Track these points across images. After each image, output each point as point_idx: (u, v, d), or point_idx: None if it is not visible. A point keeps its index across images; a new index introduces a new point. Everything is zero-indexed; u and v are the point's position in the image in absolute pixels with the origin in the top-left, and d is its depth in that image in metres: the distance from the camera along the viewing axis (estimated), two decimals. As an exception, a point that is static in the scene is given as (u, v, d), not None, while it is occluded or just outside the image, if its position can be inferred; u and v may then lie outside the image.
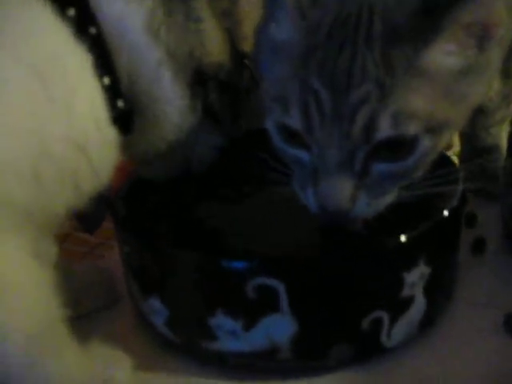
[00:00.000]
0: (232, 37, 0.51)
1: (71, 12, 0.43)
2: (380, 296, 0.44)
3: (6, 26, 0.41)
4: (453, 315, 0.50)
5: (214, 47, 0.48)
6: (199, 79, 0.48)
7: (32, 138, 0.40)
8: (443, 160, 0.52)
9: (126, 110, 0.45)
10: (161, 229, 0.49)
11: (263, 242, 0.45)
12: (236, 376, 0.46)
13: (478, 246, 0.59)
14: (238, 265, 0.42)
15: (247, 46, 0.55)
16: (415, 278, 0.45)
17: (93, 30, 0.44)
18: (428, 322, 0.48)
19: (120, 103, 0.45)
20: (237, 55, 0.52)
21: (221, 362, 0.46)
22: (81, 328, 0.45)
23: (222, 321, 0.44)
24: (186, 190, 0.53)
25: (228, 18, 0.50)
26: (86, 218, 0.63)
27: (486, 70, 0.43)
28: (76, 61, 0.43)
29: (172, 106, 0.47)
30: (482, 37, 0.41)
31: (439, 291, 0.48)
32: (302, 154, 0.43)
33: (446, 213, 0.47)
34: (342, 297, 0.43)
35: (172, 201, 0.53)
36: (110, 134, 0.45)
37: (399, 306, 0.45)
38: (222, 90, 0.50)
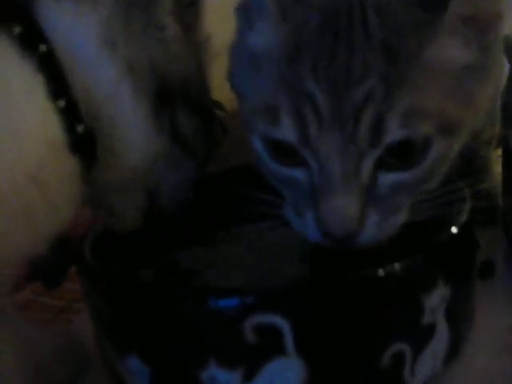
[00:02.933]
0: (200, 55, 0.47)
1: (17, 30, 0.38)
2: (399, 325, 0.38)
3: None
4: (477, 343, 0.45)
5: (178, 57, 0.42)
6: (164, 96, 0.42)
7: None
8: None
9: (87, 135, 0.39)
10: (137, 277, 0.42)
11: (257, 278, 0.39)
12: None
13: (487, 270, 0.54)
14: (231, 302, 0.36)
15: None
16: (436, 301, 0.39)
17: (43, 48, 0.38)
18: (453, 353, 0.42)
19: (79, 128, 0.39)
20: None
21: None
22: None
23: (216, 373, 0.37)
24: (160, 232, 0.47)
25: (193, 33, 0.45)
26: (46, 270, 0.56)
27: (492, 67, 0.41)
28: (23, 83, 0.37)
29: (134, 128, 0.41)
30: (484, 30, 0.39)
31: (462, 316, 0.42)
32: (297, 173, 0.38)
33: (454, 229, 0.42)
34: (356, 330, 0.37)
35: (145, 244, 0.46)
36: (70, 163, 0.39)
37: (421, 336, 0.39)
38: (192, 109, 0.44)
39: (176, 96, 0.42)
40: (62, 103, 0.38)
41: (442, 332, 0.40)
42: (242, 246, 0.48)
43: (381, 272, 0.37)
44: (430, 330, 0.39)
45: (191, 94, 0.43)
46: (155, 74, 0.41)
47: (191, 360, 0.37)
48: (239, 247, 0.48)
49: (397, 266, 0.38)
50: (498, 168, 0.70)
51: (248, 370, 0.36)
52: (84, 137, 0.39)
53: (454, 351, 0.42)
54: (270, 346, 0.36)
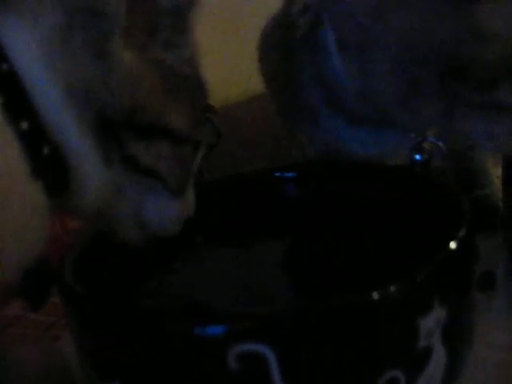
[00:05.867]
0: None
1: None
2: (392, 352, 0.36)
3: None
4: (476, 364, 0.43)
5: (123, 86, 0.37)
6: (106, 127, 0.38)
7: None
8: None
9: (53, 156, 0.37)
10: (118, 301, 0.40)
11: (240, 303, 0.37)
12: None
13: (487, 282, 0.52)
14: (214, 329, 0.34)
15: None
16: (431, 324, 0.37)
17: (4, 67, 0.35)
18: (451, 376, 0.40)
19: (46, 150, 0.36)
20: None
21: None
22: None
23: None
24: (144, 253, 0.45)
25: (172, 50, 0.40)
26: (29, 292, 0.54)
27: None
28: None
29: (82, 157, 0.38)
30: None
31: (460, 337, 0.40)
32: None
33: (453, 245, 0.40)
34: (347, 359, 0.35)
35: (128, 267, 0.45)
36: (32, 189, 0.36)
37: (416, 361, 0.37)
38: (151, 137, 0.39)
39: (121, 126, 0.38)
40: (24, 125, 0.35)
41: (439, 355, 0.38)
42: (231, 263, 0.46)
43: (375, 295, 0.35)
44: (426, 354, 0.37)
45: (145, 121, 0.38)
46: (93, 101, 0.37)
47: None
48: (227, 265, 0.46)
49: (392, 288, 0.36)
50: (497, 172, 0.68)
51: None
52: (50, 159, 0.36)
53: (452, 374, 0.40)
54: (255, 375, 0.34)
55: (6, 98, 0.34)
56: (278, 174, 0.57)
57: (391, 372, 0.36)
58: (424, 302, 0.36)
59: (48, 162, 0.36)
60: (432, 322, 0.37)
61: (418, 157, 0.59)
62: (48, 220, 0.37)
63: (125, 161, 0.39)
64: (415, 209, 0.49)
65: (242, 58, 0.78)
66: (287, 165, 0.60)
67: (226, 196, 0.56)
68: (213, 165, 0.90)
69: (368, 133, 0.60)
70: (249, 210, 0.55)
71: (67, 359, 0.49)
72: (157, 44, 0.39)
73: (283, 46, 0.62)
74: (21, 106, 0.35)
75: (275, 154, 0.77)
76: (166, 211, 0.43)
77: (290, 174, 0.57)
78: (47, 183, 0.36)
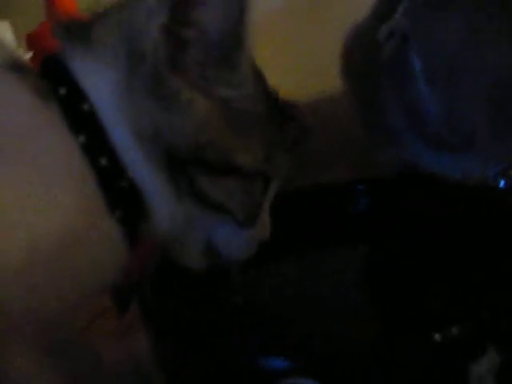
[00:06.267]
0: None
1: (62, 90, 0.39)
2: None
3: None
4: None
5: (186, 126, 0.39)
6: (174, 163, 0.40)
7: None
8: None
9: (131, 190, 0.40)
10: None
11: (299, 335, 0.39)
12: None
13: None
14: (268, 363, 0.36)
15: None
16: (483, 369, 0.37)
17: (85, 107, 0.39)
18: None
19: (123, 183, 0.39)
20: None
21: None
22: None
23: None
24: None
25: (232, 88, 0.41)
26: (118, 298, 0.59)
27: None
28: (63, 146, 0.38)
29: (154, 191, 0.40)
30: None
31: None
32: None
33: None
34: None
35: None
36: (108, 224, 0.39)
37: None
38: (215, 173, 0.41)
39: (187, 163, 0.40)
40: (103, 161, 0.38)
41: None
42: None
43: (437, 337, 0.36)
44: (477, 398, 0.38)
45: (209, 158, 0.40)
46: (159, 141, 0.39)
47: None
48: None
49: (454, 330, 0.37)
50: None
51: None
52: (128, 192, 0.39)
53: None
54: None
55: (87, 136, 0.38)
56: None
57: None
58: (475, 348, 0.37)
59: (125, 195, 0.39)
60: (484, 367, 0.37)
61: (502, 183, 0.58)
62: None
63: (194, 195, 0.41)
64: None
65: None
66: (361, 178, 0.62)
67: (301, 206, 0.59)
68: (300, 160, 0.93)
69: (450, 158, 0.59)
70: (321, 220, 0.58)
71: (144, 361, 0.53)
72: (215, 81, 0.40)
73: (367, 64, 0.62)
74: (100, 144, 0.38)
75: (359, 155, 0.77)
76: (236, 240, 0.45)
77: (361, 187, 0.60)
78: (125, 216, 0.39)
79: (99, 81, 0.38)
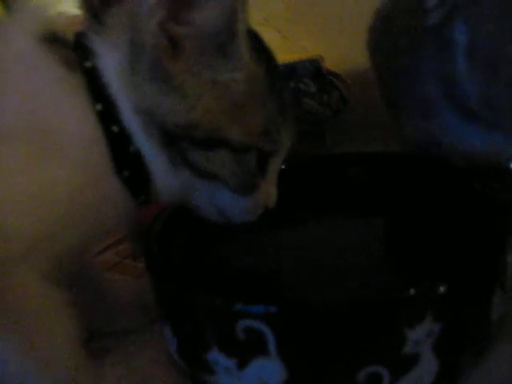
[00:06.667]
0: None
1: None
2: (377, 351, 0.41)
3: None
4: (481, 374, 0.46)
5: (179, 107, 0.44)
6: (167, 138, 0.45)
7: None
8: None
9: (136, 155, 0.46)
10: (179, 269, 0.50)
11: (260, 282, 0.44)
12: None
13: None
14: (227, 304, 0.42)
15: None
16: (421, 335, 0.41)
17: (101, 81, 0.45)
18: (445, 380, 0.44)
19: (131, 148, 0.46)
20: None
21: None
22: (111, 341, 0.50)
23: (218, 357, 0.44)
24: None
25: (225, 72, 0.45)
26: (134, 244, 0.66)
27: None
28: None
29: (153, 161, 0.46)
30: None
31: (459, 350, 0.44)
32: None
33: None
34: (334, 347, 0.41)
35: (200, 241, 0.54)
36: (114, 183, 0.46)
37: (401, 363, 0.42)
38: (205, 147, 0.45)
39: (178, 138, 0.45)
40: (115, 128, 0.45)
41: (428, 362, 0.42)
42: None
43: (365, 299, 0.41)
44: (413, 359, 0.42)
45: (200, 135, 0.44)
46: (153, 120, 0.44)
47: (200, 342, 0.45)
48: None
49: (389, 295, 0.41)
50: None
51: (240, 360, 0.43)
52: (134, 156, 0.46)
53: (445, 379, 0.44)
54: (256, 345, 0.42)
55: (104, 105, 0.45)
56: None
57: (375, 367, 0.41)
58: (414, 315, 0.41)
59: (132, 159, 0.46)
60: (422, 333, 0.41)
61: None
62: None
63: (188, 165, 0.46)
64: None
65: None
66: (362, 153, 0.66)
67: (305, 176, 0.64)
68: (338, 128, 0.96)
69: (479, 131, 0.61)
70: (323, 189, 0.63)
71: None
72: (208, 68, 0.44)
73: (406, 33, 0.62)
74: (113, 113, 0.45)
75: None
76: (238, 204, 0.49)
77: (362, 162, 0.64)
78: (130, 176, 0.46)
79: (110, 60, 0.45)
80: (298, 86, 0.90)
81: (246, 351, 0.43)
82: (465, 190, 0.56)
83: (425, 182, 0.60)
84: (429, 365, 0.43)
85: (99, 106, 0.45)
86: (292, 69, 0.90)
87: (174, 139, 0.45)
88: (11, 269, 0.42)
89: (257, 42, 0.49)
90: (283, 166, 0.54)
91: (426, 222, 0.57)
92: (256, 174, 0.49)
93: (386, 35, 0.68)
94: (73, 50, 0.46)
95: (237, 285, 0.48)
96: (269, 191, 0.52)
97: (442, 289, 0.41)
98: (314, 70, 0.92)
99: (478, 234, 0.48)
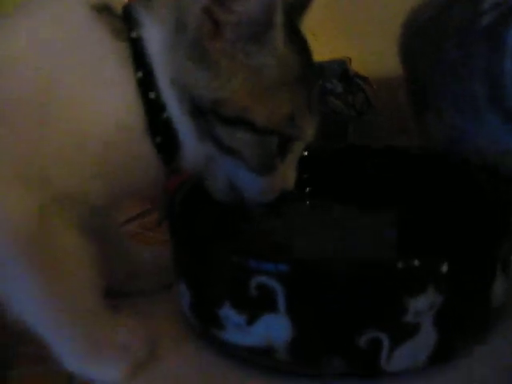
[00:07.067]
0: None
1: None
2: (379, 317, 0.44)
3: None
4: (481, 350, 0.48)
5: (211, 84, 0.47)
6: (197, 111, 0.48)
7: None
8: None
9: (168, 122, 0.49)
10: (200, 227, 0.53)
11: (275, 245, 0.47)
12: (241, 368, 0.49)
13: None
14: (243, 261, 0.45)
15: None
16: (422, 306, 0.44)
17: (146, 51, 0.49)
18: (441, 356, 0.47)
19: (163, 115, 0.49)
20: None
21: (227, 352, 0.49)
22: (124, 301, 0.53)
23: (229, 313, 0.47)
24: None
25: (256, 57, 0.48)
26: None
27: None
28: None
29: (183, 131, 0.49)
30: None
31: (458, 326, 0.47)
32: None
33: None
34: (339, 309, 0.44)
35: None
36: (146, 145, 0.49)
37: (401, 332, 0.44)
38: (231, 124, 0.48)
39: (207, 112, 0.48)
40: (152, 95, 0.48)
41: (427, 335, 0.45)
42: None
43: (368, 267, 0.43)
44: (413, 328, 0.44)
45: (227, 113, 0.47)
46: (186, 94, 0.48)
47: (213, 298, 0.48)
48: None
49: (387, 265, 0.44)
50: None
51: (250, 316, 0.46)
52: (167, 123, 0.49)
53: (441, 354, 0.46)
54: (267, 302, 0.45)
55: (144, 73, 0.48)
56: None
57: (375, 332, 0.44)
58: (416, 285, 0.44)
59: (165, 126, 0.49)
60: (423, 304, 0.44)
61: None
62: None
63: (213, 139, 0.49)
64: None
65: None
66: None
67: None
68: (361, 130, 0.98)
69: None
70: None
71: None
72: (243, 52, 0.47)
73: (456, 30, 0.63)
74: (152, 81, 0.48)
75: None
76: (253, 183, 0.51)
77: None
78: (162, 142, 0.49)
79: (154, 34, 0.48)
80: (325, 84, 0.93)
81: (256, 307, 0.45)
82: (475, 186, 0.58)
83: (439, 178, 0.63)
84: (428, 337, 0.45)
85: (140, 74, 0.48)
86: (320, 68, 0.93)
87: (202, 113, 0.48)
88: (48, 215, 0.45)
89: (295, 35, 0.52)
90: (305, 153, 0.57)
91: (436, 213, 0.60)
92: (275, 157, 0.51)
93: (424, 31, 0.69)
94: (121, 19, 0.50)
95: (252, 246, 0.51)
96: (287, 174, 0.54)
97: (443, 263, 0.44)
98: (341, 70, 0.95)
99: (484, 222, 0.51)
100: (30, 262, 0.46)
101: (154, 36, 0.48)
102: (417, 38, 0.70)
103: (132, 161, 0.49)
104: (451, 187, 0.61)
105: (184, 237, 0.52)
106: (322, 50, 1.06)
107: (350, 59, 0.98)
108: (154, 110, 0.49)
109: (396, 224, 0.62)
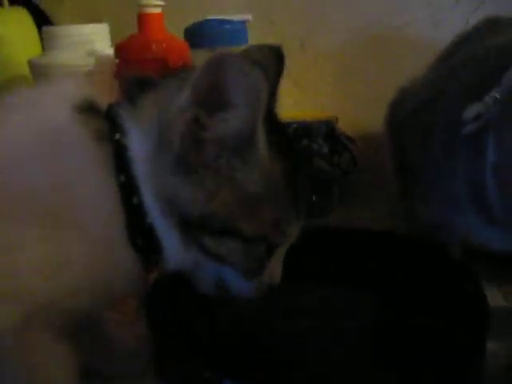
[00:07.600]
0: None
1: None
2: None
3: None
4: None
5: (199, 199, 0.47)
6: (184, 224, 0.47)
7: None
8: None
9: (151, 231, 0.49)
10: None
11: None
12: None
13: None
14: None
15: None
16: None
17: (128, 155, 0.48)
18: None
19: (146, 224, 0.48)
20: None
21: None
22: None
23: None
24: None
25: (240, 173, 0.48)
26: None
27: None
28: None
29: (168, 241, 0.48)
30: None
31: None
32: None
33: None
34: None
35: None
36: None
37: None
38: (219, 234, 0.48)
39: (194, 225, 0.47)
40: (135, 200, 0.47)
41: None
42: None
43: None
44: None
45: (215, 225, 0.47)
46: (173, 209, 0.47)
47: None
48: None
49: None
50: None
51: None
52: (149, 229, 0.48)
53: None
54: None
55: (126, 177, 0.47)
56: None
57: None
58: None
59: (147, 231, 0.48)
60: None
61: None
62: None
63: (200, 248, 0.48)
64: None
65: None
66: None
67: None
68: (345, 189, 0.98)
69: (498, 232, 0.62)
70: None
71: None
72: (227, 166, 0.47)
73: (442, 131, 0.64)
74: (135, 186, 0.47)
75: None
76: (242, 284, 0.51)
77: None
78: (143, 246, 0.48)
79: (138, 143, 0.48)
80: (311, 145, 0.93)
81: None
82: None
83: (417, 264, 0.63)
84: None
85: (122, 178, 0.47)
86: (307, 128, 0.93)
87: (189, 225, 0.47)
88: (25, 328, 0.45)
89: (275, 127, 0.51)
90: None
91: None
92: (263, 261, 0.51)
93: (413, 119, 0.70)
94: (104, 119, 0.49)
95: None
96: (274, 270, 0.54)
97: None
98: (328, 130, 0.95)
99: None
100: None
101: (138, 145, 0.47)
102: (403, 126, 0.70)
103: (113, 269, 0.48)
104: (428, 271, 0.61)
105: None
106: (308, 105, 1.07)
107: (337, 118, 0.98)
108: (136, 215, 0.48)
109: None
